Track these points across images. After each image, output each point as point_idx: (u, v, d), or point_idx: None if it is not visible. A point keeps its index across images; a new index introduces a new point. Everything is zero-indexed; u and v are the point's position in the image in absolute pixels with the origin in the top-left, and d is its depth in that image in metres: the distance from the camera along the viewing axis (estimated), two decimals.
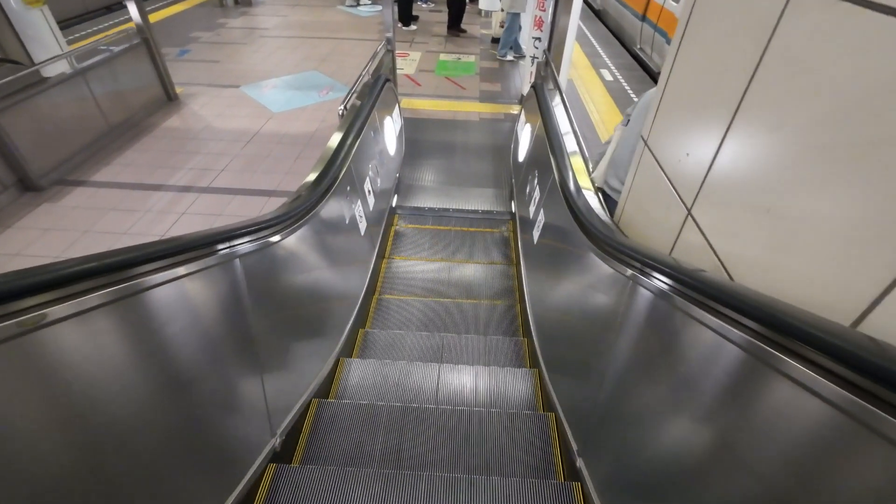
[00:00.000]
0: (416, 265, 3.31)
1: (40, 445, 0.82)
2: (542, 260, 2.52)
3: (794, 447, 0.71)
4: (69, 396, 0.86)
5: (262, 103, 5.49)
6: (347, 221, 2.40)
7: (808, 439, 0.69)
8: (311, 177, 1.97)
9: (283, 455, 1.67)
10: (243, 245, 1.32)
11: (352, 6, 9.46)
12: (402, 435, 1.88)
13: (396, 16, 7.47)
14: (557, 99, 3.01)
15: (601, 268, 1.53)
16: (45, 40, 4.66)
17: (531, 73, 5.24)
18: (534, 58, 5.19)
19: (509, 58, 7.07)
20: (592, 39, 8.00)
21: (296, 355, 1.86)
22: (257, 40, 7.48)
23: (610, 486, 1.39)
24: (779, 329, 0.72)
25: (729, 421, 0.87)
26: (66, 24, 7.49)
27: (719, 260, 1.10)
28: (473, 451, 1.84)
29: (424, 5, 9.52)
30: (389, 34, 4.24)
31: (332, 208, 2.10)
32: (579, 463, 1.56)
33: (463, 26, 8.07)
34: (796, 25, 0.88)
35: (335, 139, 2.34)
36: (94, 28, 7.56)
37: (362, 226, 2.68)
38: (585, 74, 6.47)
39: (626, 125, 2.12)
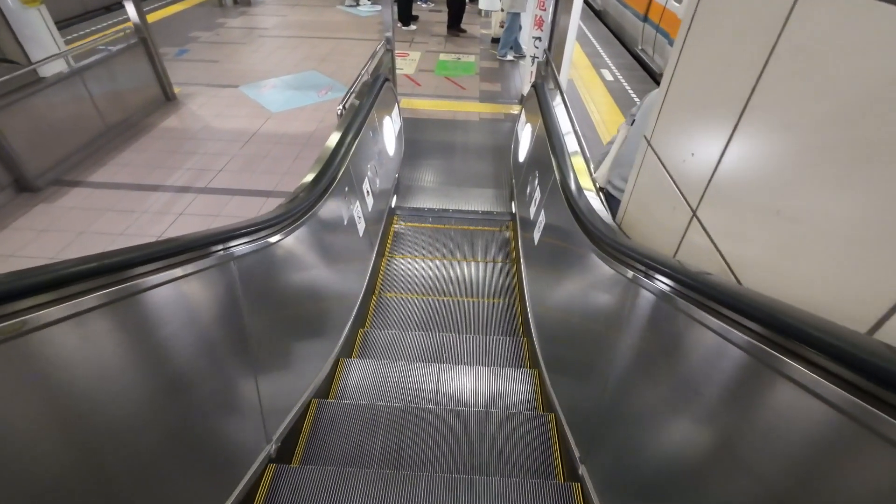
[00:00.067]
0: (416, 265, 3.30)
1: (25, 448, 0.79)
2: (543, 261, 2.49)
3: (807, 457, 0.69)
4: (57, 399, 0.84)
5: (261, 103, 5.46)
6: (346, 222, 2.37)
7: (822, 448, 0.67)
8: (309, 177, 1.94)
9: (279, 459, 1.65)
10: (238, 247, 1.29)
11: (351, 6, 9.44)
12: (401, 435, 1.87)
13: (396, 15, 7.44)
14: (558, 98, 2.98)
15: (603, 269, 1.50)
16: (42, 40, 4.63)
17: (531, 72, 5.21)
18: (534, 57, 5.17)
19: (509, 58, 7.04)
20: (593, 40, 7.98)
21: (293, 358, 1.84)
22: (256, 40, 7.45)
23: (613, 494, 1.37)
24: (788, 333, 0.70)
25: (737, 427, 0.84)
26: (65, 23, 7.47)
27: (726, 263, 1.07)
28: (473, 451, 1.84)
29: (424, 5, 9.50)
30: (389, 34, 4.21)
31: (329, 209, 2.07)
32: (581, 470, 1.53)
33: (463, 26, 8.05)
34: (807, 21, 0.85)
35: (333, 139, 2.31)
36: (93, 28, 7.53)
37: (361, 226, 2.65)
38: (586, 74, 6.45)
39: (632, 125, 2.10)
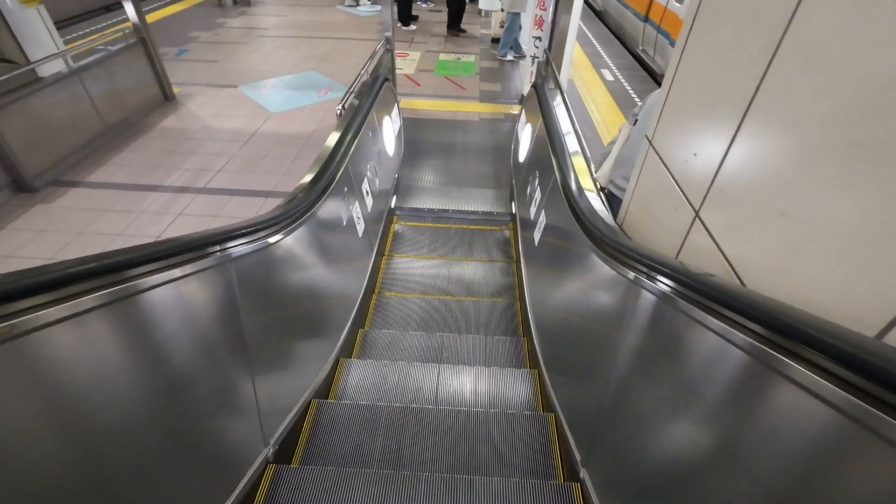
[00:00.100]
0: (415, 265, 3.28)
1: (18, 449, 0.78)
2: (544, 261, 2.48)
3: (812, 460, 0.68)
4: (48, 400, 0.83)
5: (261, 103, 5.45)
6: (345, 223, 2.36)
7: (826, 451, 0.66)
8: (308, 178, 1.93)
9: (278, 461, 1.64)
10: (236, 248, 1.28)
11: (351, 6, 9.43)
12: (401, 435, 1.87)
13: (396, 15, 7.43)
14: (559, 98, 2.97)
15: (604, 270, 1.49)
16: (41, 40, 4.62)
17: (531, 72, 5.20)
18: (534, 57, 5.15)
19: (509, 58, 7.03)
20: (593, 40, 7.97)
21: (292, 359, 1.82)
22: (256, 40, 7.44)
23: (615, 498, 1.35)
24: (791, 335, 0.69)
25: (741, 430, 0.83)
26: (65, 23, 7.46)
27: (729, 264, 1.06)
28: (473, 451, 1.84)
29: (424, 5, 9.49)
30: (388, 33, 4.20)
31: (328, 210, 2.06)
32: (583, 473, 1.51)
33: (463, 26, 8.03)
34: (812, 19, 0.83)
35: (332, 139, 2.30)
36: (93, 28, 7.51)
37: (360, 227, 2.63)
38: (586, 74, 6.43)
39: (634, 124, 2.09)
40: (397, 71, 5.30)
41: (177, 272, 1.04)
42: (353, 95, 2.87)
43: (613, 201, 2.03)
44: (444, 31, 8.10)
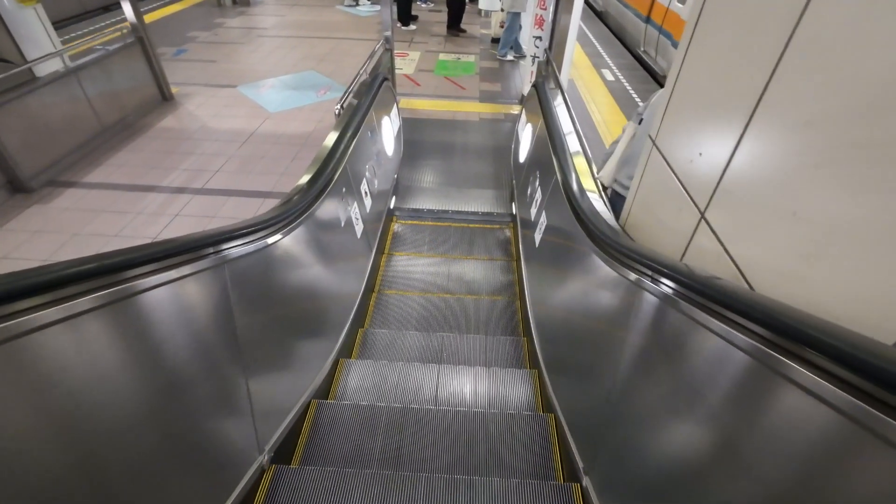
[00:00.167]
0: (415, 267, 3.26)
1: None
2: (545, 263, 2.45)
3: (827, 469, 0.65)
4: (34, 404, 0.79)
5: (259, 103, 5.42)
6: (343, 224, 2.33)
7: (841, 459, 0.63)
8: (305, 179, 1.90)
9: (277, 462, 1.63)
10: (229, 250, 1.24)
11: (350, 6, 9.40)
12: (401, 436, 1.87)
13: (395, 15, 7.40)
14: (559, 98, 2.94)
15: (607, 273, 1.46)
16: (38, 39, 4.57)
17: (532, 72, 5.17)
18: (534, 57, 5.12)
19: (509, 58, 7.00)
20: (594, 40, 7.94)
21: (289, 363, 1.79)
22: (255, 40, 7.41)
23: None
24: (801, 339, 0.66)
25: (750, 438, 0.80)
26: (64, 23, 7.44)
27: (737, 267, 1.03)
28: (473, 452, 1.83)
29: (424, 5, 9.46)
30: (388, 33, 4.17)
31: (326, 210, 2.03)
32: (586, 481, 1.48)
33: (462, 26, 8.01)
34: (826, 12, 0.80)
35: (331, 139, 2.27)
36: (92, 28, 7.49)
37: (359, 228, 2.60)
38: (586, 74, 6.41)
39: (640, 123, 2.07)
40: (397, 71, 5.27)
41: (167, 276, 1.01)
42: (351, 95, 2.84)
43: (618, 200, 2.00)
44: (443, 31, 8.08)
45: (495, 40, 7.41)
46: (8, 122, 3.52)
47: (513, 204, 3.80)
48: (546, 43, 4.63)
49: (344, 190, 2.31)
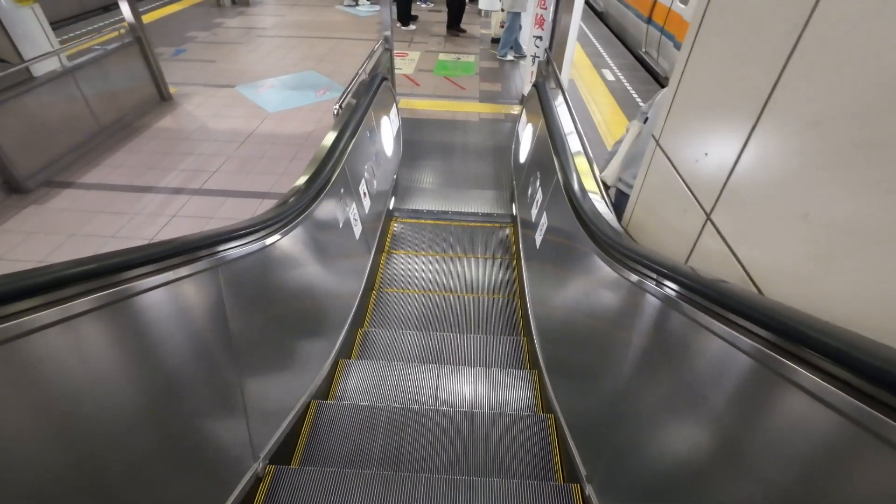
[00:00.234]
0: (414, 268, 3.23)
1: None
2: (546, 264, 2.43)
3: (841, 477, 0.63)
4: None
5: (258, 103, 5.39)
6: (341, 225, 2.30)
7: (853, 465, 0.62)
8: (302, 179, 1.87)
9: (277, 462, 1.61)
10: (223, 253, 1.22)
11: (350, 6, 9.38)
12: (401, 436, 1.87)
13: (395, 15, 7.37)
14: (560, 98, 2.91)
15: (609, 274, 1.43)
16: (36, 39, 4.55)
17: (532, 72, 5.15)
18: (535, 57, 5.10)
19: (509, 58, 6.98)
20: (594, 40, 7.92)
21: (287, 365, 1.77)
22: (254, 40, 7.39)
23: None
24: (810, 343, 0.65)
25: (759, 446, 0.78)
26: (63, 23, 7.42)
27: (745, 270, 1.00)
28: (473, 452, 1.83)
29: (423, 5, 9.44)
30: (387, 32, 4.14)
31: (324, 212, 2.00)
32: (588, 490, 1.45)
33: (462, 26, 7.98)
34: (837, 9, 0.77)
35: (329, 139, 2.24)
36: (90, 28, 7.46)
37: (357, 229, 2.57)
38: (587, 74, 6.38)
39: (645, 122, 2.04)
40: (396, 71, 5.24)
41: (155, 280, 0.98)
42: (350, 95, 2.81)
43: (623, 200, 1.98)
44: (443, 31, 8.05)
45: (495, 40, 7.38)
46: (4, 121, 3.50)
47: (513, 204, 3.78)
48: (546, 43, 4.61)
49: (342, 191, 2.28)
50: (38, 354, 0.78)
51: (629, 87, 6.03)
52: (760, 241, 0.96)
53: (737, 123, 1.04)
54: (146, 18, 6.29)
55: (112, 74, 4.60)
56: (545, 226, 2.46)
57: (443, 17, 8.21)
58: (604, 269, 1.48)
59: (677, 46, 5.50)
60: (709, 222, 1.15)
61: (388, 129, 3.50)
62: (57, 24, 7.10)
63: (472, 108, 5.66)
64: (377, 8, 8.98)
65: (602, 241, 1.51)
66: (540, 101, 3.01)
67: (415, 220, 3.75)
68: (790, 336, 0.68)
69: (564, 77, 4.33)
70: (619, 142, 2.22)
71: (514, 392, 2.23)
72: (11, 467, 0.77)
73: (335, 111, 2.62)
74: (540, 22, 4.83)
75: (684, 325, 0.99)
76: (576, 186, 1.91)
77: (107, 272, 0.85)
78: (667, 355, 1.10)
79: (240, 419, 1.38)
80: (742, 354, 0.78)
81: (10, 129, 3.55)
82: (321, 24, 8.26)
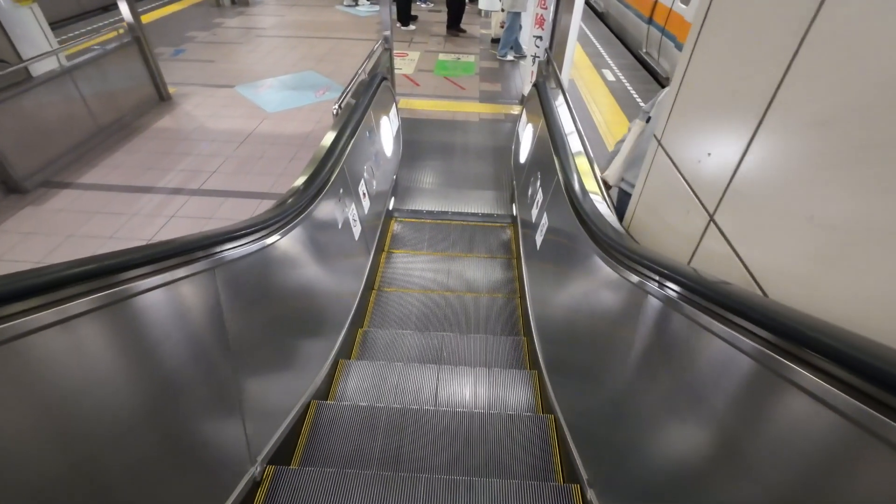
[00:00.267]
0: (414, 269, 3.21)
1: None
2: (546, 264, 2.41)
3: (849, 481, 0.62)
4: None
5: (257, 103, 5.37)
6: (340, 226, 2.28)
7: (860, 471, 0.60)
8: (300, 180, 1.85)
9: (277, 462, 1.61)
10: (220, 254, 1.20)
11: (350, 6, 9.36)
12: (401, 437, 1.87)
13: (395, 15, 7.36)
14: (560, 98, 2.90)
15: (611, 275, 1.42)
16: (34, 39, 4.54)
17: (532, 72, 5.13)
18: (535, 57, 5.08)
19: (510, 58, 6.97)
20: (594, 40, 7.91)
21: (286, 367, 1.75)
22: (254, 40, 7.37)
23: None
24: (815, 346, 0.63)
25: (761, 445, 0.76)
26: (62, 24, 7.40)
27: (749, 272, 0.98)
28: (473, 453, 1.83)
29: (423, 5, 9.43)
30: (387, 32, 4.12)
31: (322, 212, 1.98)
32: (590, 495, 1.43)
33: (462, 26, 7.97)
34: (846, 4, 0.76)
35: (328, 139, 2.22)
36: (89, 28, 7.45)
37: (356, 230, 2.56)
38: (587, 74, 6.37)
39: (647, 122, 2.03)
40: (396, 71, 5.23)
41: (151, 281, 0.96)
42: (349, 95, 2.80)
43: (626, 200, 1.97)
44: (443, 31, 8.04)
45: (495, 40, 7.37)
46: (2, 121, 3.48)
47: (513, 205, 3.76)
48: (547, 42, 4.60)
49: (341, 191, 2.26)
50: (32, 356, 0.76)
51: (629, 88, 6.01)
52: (765, 243, 0.95)
53: (741, 123, 1.02)
54: (146, 18, 6.27)
55: (111, 74, 4.58)
56: (545, 226, 2.44)
57: (443, 17, 8.19)
58: (605, 269, 1.47)
59: (678, 47, 5.49)
60: (712, 223, 1.14)
61: (387, 130, 3.49)
62: (56, 25, 7.09)
63: (472, 109, 5.64)
64: (377, 8, 8.96)
65: (603, 241, 1.49)
66: (540, 100, 2.99)
67: (415, 221, 3.74)
68: (792, 337, 0.67)
69: (565, 77, 4.32)
70: (622, 141, 2.20)
71: (514, 392, 2.23)
72: (6, 468, 0.75)
73: (334, 111, 2.61)
74: (540, 22, 4.82)
75: (685, 327, 0.98)
76: (576, 187, 1.90)
77: (96, 275, 0.83)
78: (667, 357, 1.08)
79: (236, 422, 1.36)
80: (744, 356, 0.78)
81: (8, 129, 3.54)
82: (321, 24, 8.24)
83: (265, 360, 1.59)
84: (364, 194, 2.71)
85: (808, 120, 0.83)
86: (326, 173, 1.98)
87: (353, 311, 2.47)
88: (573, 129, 2.47)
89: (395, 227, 3.64)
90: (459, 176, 4.43)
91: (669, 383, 1.07)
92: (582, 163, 2.10)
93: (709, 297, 0.89)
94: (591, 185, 1.91)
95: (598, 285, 1.61)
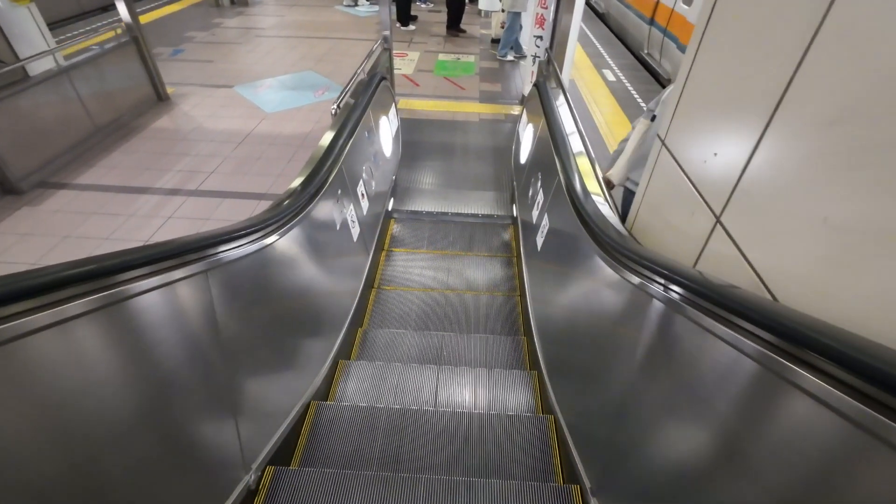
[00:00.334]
0: (413, 269, 3.19)
1: None
2: (547, 266, 2.39)
3: (855, 483, 0.61)
4: None
5: (256, 104, 5.35)
6: (339, 227, 2.25)
7: (865, 475, 0.59)
8: (298, 180, 1.82)
9: (276, 462, 1.59)
10: (212, 257, 1.17)
11: (349, 6, 9.34)
12: (401, 437, 1.86)
13: (394, 15, 7.34)
14: (561, 98, 2.88)
15: (613, 277, 1.39)
16: (32, 39, 4.50)
17: (532, 72, 5.11)
18: (535, 57, 5.06)
19: (510, 58, 6.94)
20: (595, 40, 7.89)
21: (284, 371, 1.73)
22: (253, 40, 7.35)
23: None
24: (823, 350, 0.62)
25: (765, 448, 0.74)
26: (61, 24, 7.38)
27: (757, 275, 0.95)
28: (472, 453, 1.83)
29: (423, 5, 9.41)
30: (387, 32, 4.10)
31: (320, 213, 1.96)
32: (593, 503, 1.41)
33: (462, 26, 7.95)
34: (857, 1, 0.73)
35: (326, 139, 2.20)
36: (88, 28, 7.42)
37: (355, 231, 2.53)
38: (588, 75, 6.34)
39: (652, 120, 2.01)
40: (396, 71, 5.20)
41: (142, 285, 0.93)
42: (348, 95, 2.77)
43: (631, 199, 1.95)
44: (443, 31, 8.02)
45: (495, 41, 7.35)
46: None
47: (514, 206, 3.74)
48: (547, 42, 4.57)
49: (339, 192, 2.24)
50: (28, 357, 0.74)
51: (630, 88, 5.99)
52: (775, 246, 0.92)
53: (748, 122, 1.00)
54: (144, 18, 6.25)
55: (108, 74, 4.55)
56: (546, 227, 2.42)
57: (442, 17, 8.17)
58: (606, 270, 1.45)
59: (681, 48, 5.46)
60: (718, 225, 1.11)
61: (386, 130, 3.46)
62: (57, 24, 7.07)
63: (472, 109, 5.62)
64: (376, 8, 8.94)
65: (605, 242, 1.47)
66: (541, 100, 2.97)
67: (414, 222, 3.71)
68: (795, 339, 0.66)
69: (565, 77, 4.29)
70: (626, 140, 2.18)
71: (514, 393, 2.22)
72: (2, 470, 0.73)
73: (333, 111, 2.58)
74: (540, 22, 4.79)
75: (688, 329, 0.97)
76: (578, 187, 1.87)
77: (86, 278, 0.81)
78: (669, 358, 1.07)
79: (230, 429, 1.33)
80: (746, 358, 0.77)
81: (5, 129, 3.51)
82: (320, 25, 8.22)
83: (263, 362, 1.56)
84: (363, 195, 2.68)
85: (822, 119, 0.80)
86: (324, 174, 1.96)
87: (352, 312, 2.45)
88: (574, 129, 2.45)
89: (394, 227, 3.61)
90: (459, 177, 4.41)
91: (670, 385, 1.06)
92: (583, 163, 2.08)
93: (710, 298, 0.88)
94: (592, 186, 1.89)
95: (599, 286, 1.59)
